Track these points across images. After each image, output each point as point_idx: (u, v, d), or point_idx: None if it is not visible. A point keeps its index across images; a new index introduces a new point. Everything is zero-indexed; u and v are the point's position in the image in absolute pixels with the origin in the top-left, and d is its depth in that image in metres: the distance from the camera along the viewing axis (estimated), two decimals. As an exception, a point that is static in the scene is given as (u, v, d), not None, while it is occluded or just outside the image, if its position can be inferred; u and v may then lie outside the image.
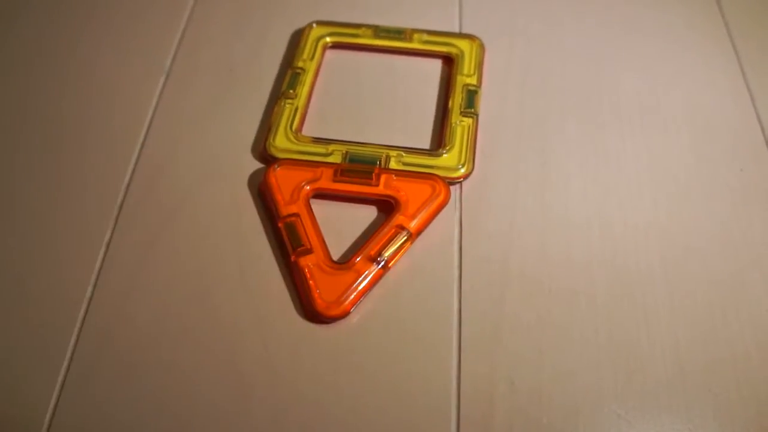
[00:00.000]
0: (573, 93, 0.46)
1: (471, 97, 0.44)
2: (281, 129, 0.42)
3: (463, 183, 0.41)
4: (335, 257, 0.38)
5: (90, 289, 0.37)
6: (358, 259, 0.37)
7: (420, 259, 0.38)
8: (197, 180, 0.41)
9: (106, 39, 0.48)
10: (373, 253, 0.37)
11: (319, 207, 0.40)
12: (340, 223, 0.39)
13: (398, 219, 0.38)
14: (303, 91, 0.44)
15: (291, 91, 0.44)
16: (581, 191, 0.41)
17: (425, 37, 0.48)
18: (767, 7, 0.51)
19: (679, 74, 0.47)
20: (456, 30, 0.49)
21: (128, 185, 0.41)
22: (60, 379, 0.34)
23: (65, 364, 0.35)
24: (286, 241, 0.38)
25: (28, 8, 0.50)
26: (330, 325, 0.36)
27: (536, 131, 0.43)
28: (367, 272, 0.36)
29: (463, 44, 0.47)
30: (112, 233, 0.39)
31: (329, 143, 0.42)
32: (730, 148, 0.43)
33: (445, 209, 0.39)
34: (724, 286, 0.37)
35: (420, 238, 0.39)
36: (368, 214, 0.40)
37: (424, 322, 0.36)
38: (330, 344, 0.35)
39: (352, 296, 0.36)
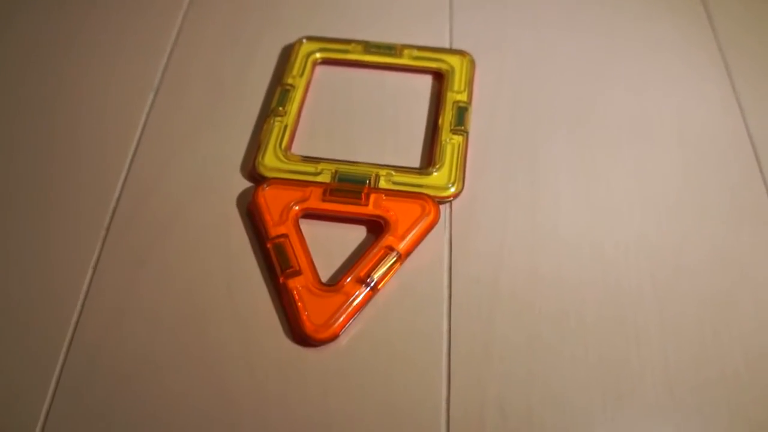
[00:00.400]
0: (563, 109, 0.45)
1: (461, 114, 0.44)
2: (270, 147, 0.42)
3: (453, 202, 0.41)
4: (324, 278, 0.38)
5: (77, 312, 0.37)
6: (347, 281, 0.37)
7: (409, 280, 0.38)
8: (186, 199, 0.41)
9: (94, 54, 0.48)
10: (362, 274, 0.37)
11: (308, 227, 0.39)
12: (329, 244, 0.39)
13: (387, 240, 0.38)
14: (292, 108, 0.44)
15: (280, 108, 0.44)
16: (571, 210, 0.41)
17: (416, 52, 0.47)
18: (758, 21, 0.51)
19: (669, 89, 0.47)
20: (446, 45, 0.49)
21: (116, 205, 0.41)
22: (46, 403, 0.34)
23: (51, 388, 0.34)
24: (275, 262, 0.37)
25: (12, 25, 0.50)
26: (319, 347, 0.36)
27: (526, 149, 0.43)
28: (356, 294, 0.36)
29: (454, 60, 0.47)
30: (100, 254, 0.39)
31: (318, 162, 0.41)
32: (720, 164, 0.43)
33: (434, 229, 0.39)
34: (714, 306, 0.37)
35: (409, 258, 0.38)
36: (357, 234, 0.40)
37: (414, 345, 0.36)
38: (319, 367, 0.35)
39: (341, 319, 0.36)
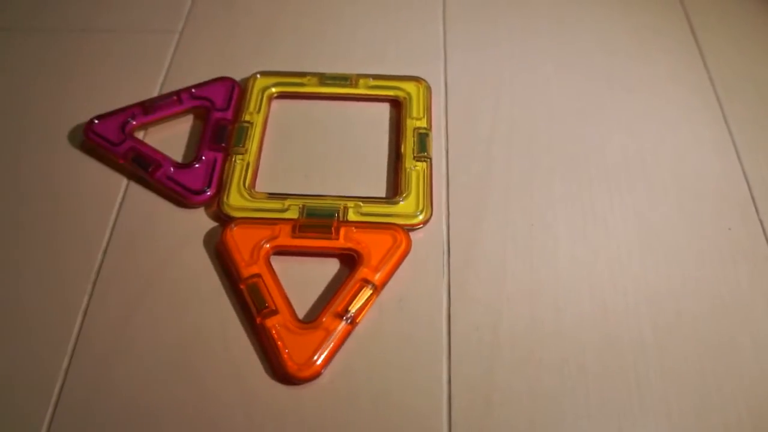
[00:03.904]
0: (560, 151, 0.45)
1: (423, 140, 0.44)
2: (234, 186, 0.42)
3: (452, 248, 0.40)
4: (301, 315, 0.37)
5: (67, 359, 0.36)
6: (325, 317, 0.36)
7: (408, 328, 0.37)
8: (160, 243, 0.40)
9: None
10: (340, 309, 0.37)
11: (280, 263, 0.39)
12: (302, 279, 0.39)
13: (362, 272, 0.38)
14: (253, 145, 0.44)
15: (240, 146, 0.43)
16: (570, 255, 0.40)
17: (371, 81, 0.47)
18: (751, 61, 0.51)
19: (664, 130, 0.46)
20: (442, 86, 0.48)
21: (105, 249, 0.40)
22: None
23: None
24: (250, 303, 0.37)
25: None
26: (300, 386, 0.35)
27: (524, 192, 0.43)
28: (335, 329, 0.36)
29: (410, 87, 0.47)
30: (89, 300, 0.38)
31: (285, 198, 0.41)
32: (717, 206, 0.43)
33: (433, 276, 0.39)
34: (715, 351, 0.37)
35: (408, 305, 0.38)
36: (330, 267, 0.39)
37: (413, 393, 0.35)
38: (301, 406, 0.35)
39: (324, 355, 0.35)
